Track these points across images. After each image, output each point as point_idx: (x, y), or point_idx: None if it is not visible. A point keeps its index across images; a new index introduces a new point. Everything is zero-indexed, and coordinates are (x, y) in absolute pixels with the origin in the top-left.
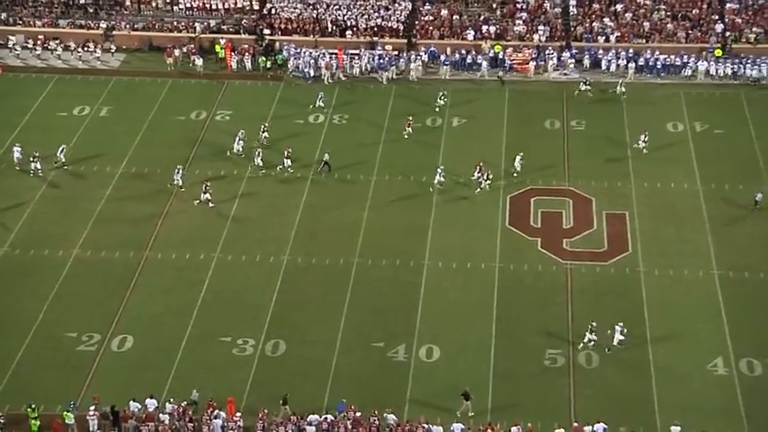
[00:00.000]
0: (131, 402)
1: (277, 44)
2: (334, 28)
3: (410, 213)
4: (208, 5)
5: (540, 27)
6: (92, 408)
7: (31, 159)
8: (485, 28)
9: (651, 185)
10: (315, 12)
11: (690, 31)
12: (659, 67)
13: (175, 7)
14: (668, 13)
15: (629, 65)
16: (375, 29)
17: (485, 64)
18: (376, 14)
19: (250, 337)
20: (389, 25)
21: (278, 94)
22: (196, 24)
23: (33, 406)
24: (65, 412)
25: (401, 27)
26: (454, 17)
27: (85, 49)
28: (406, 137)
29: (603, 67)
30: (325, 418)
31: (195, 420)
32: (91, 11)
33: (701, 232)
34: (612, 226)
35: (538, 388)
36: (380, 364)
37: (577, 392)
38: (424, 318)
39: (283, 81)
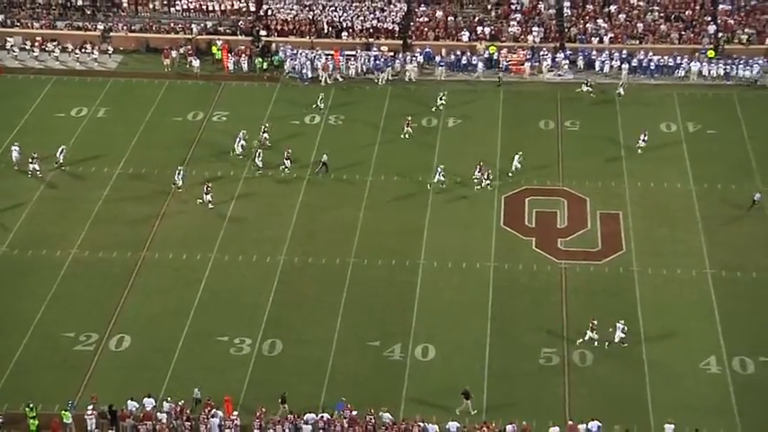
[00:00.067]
0: (129, 401)
1: (273, 45)
2: (330, 29)
3: (406, 213)
4: (204, 7)
5: (534, 28)
6: (90, 407)
7: (30, 161)
8: (479, 29)
9: (645, 185)
10: (311, 13)
11: (683, 33)
12: (652, 67)
13: (172, 9)
14: (661, 15)
15: (623, 66)
16: (371, 30)
17: (480, 65)
18: (371, 16)
19: (247, 337)
20: (385, 26)
21: (274, 95)
22: (193, 26)
23: (31, 405)
24: (63, 411)
25: (396, 28)
26: (449, 18)
27: (83, 50)
28: (407, 137)
29: (597, 68)
30: (322, 416)
31: (192, 419)
32: (88, 12)
33: (693, 232)
34: (606, 225)
35: (533, 386)
36: (376, 364)
37: (572, 391)
38: (419, 317)
39: (280, 82)
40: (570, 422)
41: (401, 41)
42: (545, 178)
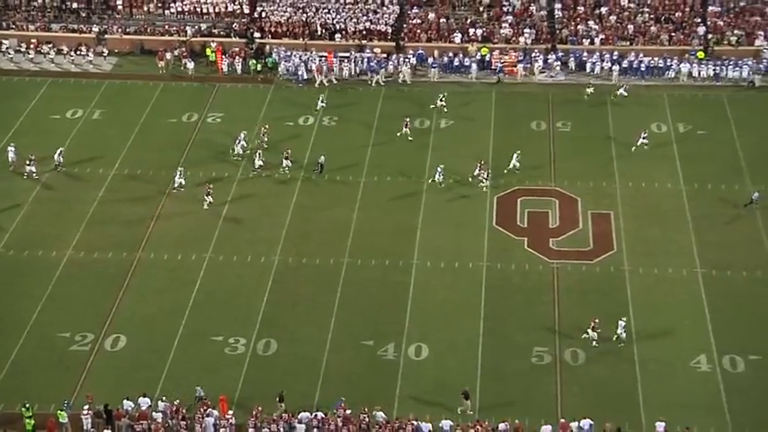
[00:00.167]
0: (125, 401)
1: (267, 47)
2: (324, 31)
3: (399, 214)
4: (199, 9)
5: (525, 30)
6: (85, 407)
7: (27, 162)
8: (471, 31)
9: (636, 185)
10: (304, 15)
11: (673, 34)
12: (643, 69)
13: (167, 11)
14: (651, 16)
15: (614, 67)
16: (364, 32)
17: (474, 67)
18: (365, 18)
19: (242, 337)
20: (378, 28)
21: (268, 96)
22: (187, 28)
23: (27, 405)
24: (59, 411)
25: (389, 30)
26: (441, 20)
27: (78, 52)
28: (409, 138)
29: (588, 69)
30: (316, 415)
31: (188, 418)
32: (83, 15)
33: (684, 231)
34: (598, 225)
35: (525, 385)
36: (370, 363)
37: (564, 389)
38: (412, 317)
39: (274, 84)
40: (562, 420)
41: (394, 43)
42: (537, 178)
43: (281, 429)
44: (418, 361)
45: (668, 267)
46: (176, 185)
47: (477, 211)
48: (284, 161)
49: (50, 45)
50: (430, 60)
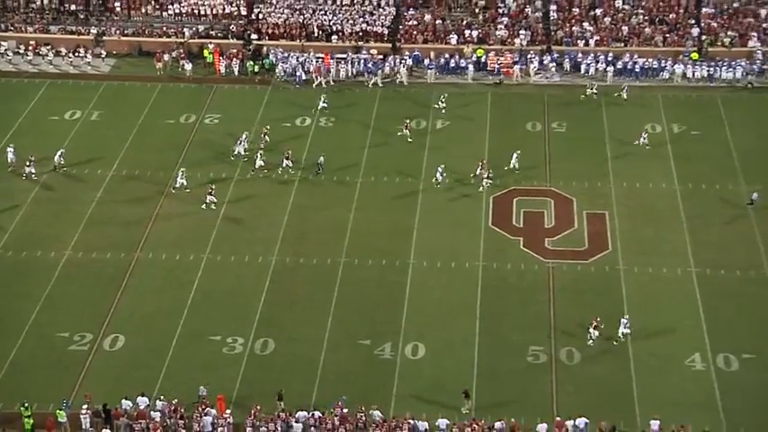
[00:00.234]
0: (123, 400)
1: (264, 49)
2: (321, 33)
3: (396, 214)
4: (196, 11)
5: (521, 31)
6: (84, 406)
7: (27, 164)
8: (467, 32)
9: (630, 186)
10: (301, 17)
11: (667, 35)
12: (637, 70)
13: (164, 13)
14: (646, 18)
15: (608, 68)
16: (360, 33)
17: (471, 68)
18: (361, 19)
19: (239, 336)
20: (374, 30)
21: (266, 97)
22: (185, 30)
23: (26, 404)
24: (57, 411)
25: (386, 32)
26: (437, 22)
27: (76, 54)
28: (408, 140)
29: (583, 70)
30: (313, 414)
31: (186, 417)
32: (81, 17)
33: (678, 231)
34: (593, 225)
35: (521, 384)
36: (367, 362)
37: (559, 388)
38: (409, 316)
39: (271, 85)
40: (558, 419)
41: (390, 45)
42: (532, 179)
43: (279, 428)
44: (415, 360)
45: (663, 267)
46: (178, 186)
47: (473, 212)
48: (285, 161)
49: (49, 47)
50: (426, 62)
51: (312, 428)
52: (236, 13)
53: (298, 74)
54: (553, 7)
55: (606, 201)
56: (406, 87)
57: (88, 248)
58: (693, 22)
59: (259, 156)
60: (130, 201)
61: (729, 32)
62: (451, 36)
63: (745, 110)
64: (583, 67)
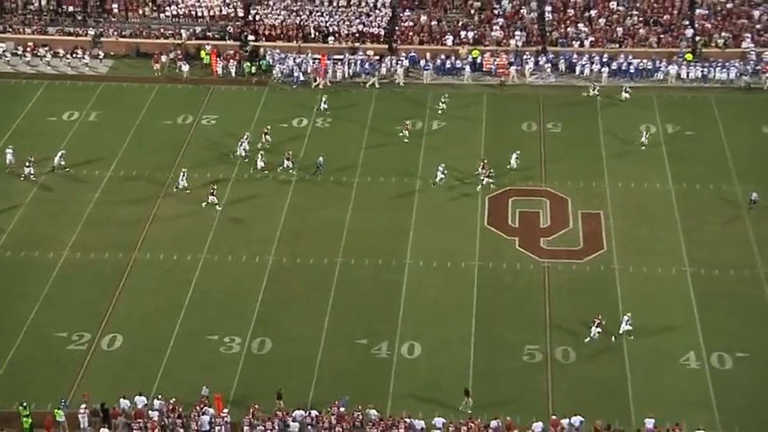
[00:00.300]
0: (121, 400)
1: (261, 50)
2: (317, 34)
3: (392, 214)
4: (194, 13)
5: (516, 32)
6: (82, 405)
7: (27, 165)
8: (463, 33)
9: (625, 185)
10: (298, 18)
11: (661, 36)
12: (632, 71)
13: (162, 15)
14: (640, 19)
15: (603, 69)
16: (357, 35)
17: (468, 69)
18: (357, 21)
19: (237, 336)
20: (370, 31)
21: (263, 98)
22: (182, 31)
23: (25, 404)
24: (56, 410)
25: (382, 33)
26: (433, 23)
27: (74, 55)
28: (405, 141)
29: (578, 71)
30: (310, 413)
31: (184, 417)
32: (79, 18)
33: (673, 231)
34: (588, 225)
35: (516, 383)
36: (364, 361)
37: (555, 387)
38: (405, 315)
39: (268, 86)
40: (553, 417)
41: (387, 46)
42: (528, 179)
43: (276, 427)
44: (411, 359)
45: (657, 266)
46: (180, 187)
47: (468, 212)
48: (285, 162)
49: (47, 48)
50: (422, 63)
51: (309, 427)
52: (233, 15)
53: (295, 75)
54: (548, 8)
55: (601, 201)
56: (403, 88)
57: (86, 249)
58: (687, 23)
59: (260, 156)
60: (128, 201)
61: (723, 33)
62: (447, 37)
63: (739, 110)
64: (578, 67)
